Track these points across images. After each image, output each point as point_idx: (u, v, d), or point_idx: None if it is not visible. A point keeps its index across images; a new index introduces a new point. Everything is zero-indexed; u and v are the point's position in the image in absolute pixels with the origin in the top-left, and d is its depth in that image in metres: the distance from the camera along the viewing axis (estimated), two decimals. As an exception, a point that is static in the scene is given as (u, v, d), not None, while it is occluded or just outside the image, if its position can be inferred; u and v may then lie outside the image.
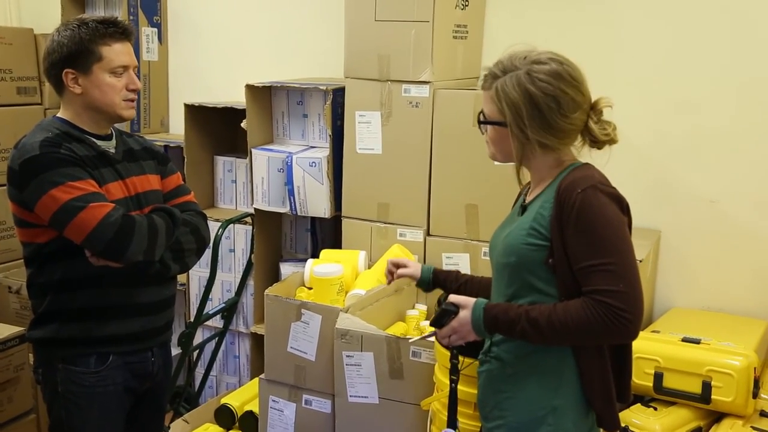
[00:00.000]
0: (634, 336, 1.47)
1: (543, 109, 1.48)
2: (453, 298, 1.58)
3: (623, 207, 1.51)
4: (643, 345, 2.23)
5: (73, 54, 1.81)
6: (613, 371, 1.57)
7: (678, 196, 2.63)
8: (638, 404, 2.23)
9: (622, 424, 2.16)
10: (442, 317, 1.57)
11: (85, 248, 1.79)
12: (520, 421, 1.56)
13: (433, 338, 1.71)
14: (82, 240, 1.76)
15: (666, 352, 2.19)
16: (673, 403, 2.21)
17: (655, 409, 2.19)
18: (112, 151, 1.92)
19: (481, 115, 1.58)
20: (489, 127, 1.57)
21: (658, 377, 2.18)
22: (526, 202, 1.62)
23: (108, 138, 1.93)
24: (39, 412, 2.93)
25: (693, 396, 2.14)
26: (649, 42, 2.61)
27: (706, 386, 2.12)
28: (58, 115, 1.91)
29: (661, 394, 2.20)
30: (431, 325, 1.63)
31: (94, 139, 1.89)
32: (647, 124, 2.64)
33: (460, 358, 1.70)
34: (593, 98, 1.57)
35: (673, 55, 2.58)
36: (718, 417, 2.20)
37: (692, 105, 2.57)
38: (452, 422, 1.73)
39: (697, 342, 2.20)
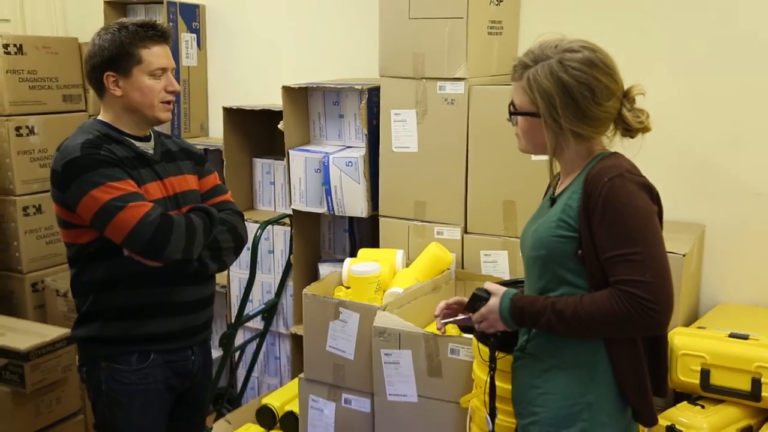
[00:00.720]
0: (663, 328, 1.44)
1: (577, 97, 1.46)
2: (488, 285, 1.59)
3: (653, 196, 1.48)
4: (689, 341, 2.17)
5: (113, 57, 1.86)
6: (648, 364, 1.54)
7: (722, 189, 2.56)
8: (685, 402, 2.18)
9: (668, 423, 2.11)
10: (473, 302, 1.60)
11: (124, 248, 1.83)
12: (555, 417, 1.54)
13: (463, 319, 1.71)
14: (122, 239, 1.79)
15: (713, 348, 2.13)
16: (721, 401, 2.14)
17: (703, 407, 2.13)
18: (151, 152, 1.96)
19: (512, 106, 1.57)
20: (520, 118, 1.55)
21: (704, 374, 2.13)
22: (555, 194, 1.60)
23: (146, 139, 1.97)
24: (86, 413, 3.00)
25: (742, 393, 2.08)
26: (690, 30, 2.55)
27: (756, 383, 2.05)
28: (99, 117, 1.95)
29: (708, 392, 2.14)
30: (465, 309, 1.65)
31: (133, 141, 1.93)
32: (689, 115, 2.57)
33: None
34: (626, 86, 1.54)
35: (716, 42, 2.51)
36: (768, 415, 2.13)
37: (736, 94, 2.50)
38: (492, 410, 1.73)
39: (745, 338, 2.13)
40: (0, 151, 3.22)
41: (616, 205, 1.42)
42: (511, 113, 1.57)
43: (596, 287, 1.46)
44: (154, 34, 1.88)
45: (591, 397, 1.51)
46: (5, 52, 3.17)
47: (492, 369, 1.70)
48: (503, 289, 1.57)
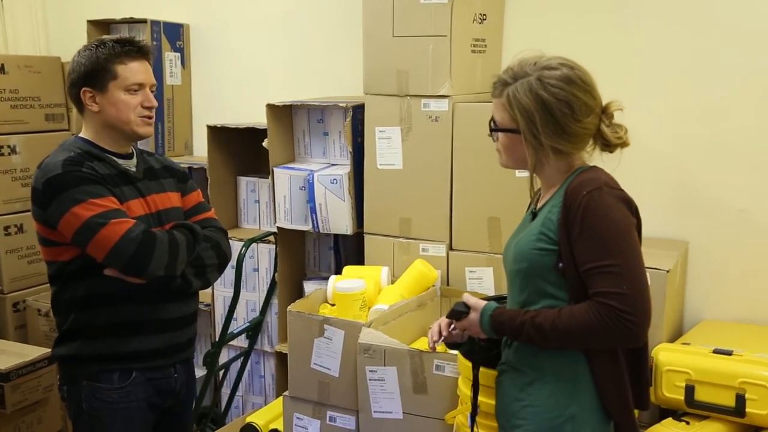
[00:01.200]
0: (640, 340, 1.45)
1: (556, 114, 1.48)
2: (466, 298, 1.60)
3: (632, 209, 1.50)
4: (673, 357, 2.18)
5: (89, 73, 1.86)
6: (630, 377, 1.54)
7: (705, 205, 2.58)
8: (669, 418, 2.18)
9: (654, 439, 2.11)
10: (452, 317, 1.61)
11: (106, 265, 1.81)
12: (538, 429, 1.54)
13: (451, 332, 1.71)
14: (104, 256, 1.78)
15: (697, 364, 2.14)
16: (705, 417, 2.15)
17: (687, 423, 2.13)
18: (133, 169, 1.95)
19: (492, 122, 1.58)
20: (501, 134, 1.57)
21: (689, 390, 2.13)
22: (536, 208, 1.61)
23: (129, 157, 1.96)
24: (67, 434, 2.96)
25: (726, 409, 2.08)
26: (671, 47, 2.58)
27: (740, 399, 2.06)
28: (80, 135, 1.94)
29: (692, 408, 2.14)
30: (447, 317, 1.66)
31: (115, 158, 1.92)
32: (671, 131, 2.60)
33: (476, 346, 1.71)
34: (604, 102, 1.56)
35: (697, 59, 2.55)
36: (754, 431, 2.14)
37: (718, 110, 2.53)
38: (473, 408, 1.74)
39: (729, 353, 2.14)
40: (-19, 170, 3.20)
41: (594, 218, 1.43)
42: (491, 129, 1.58)
43: (576, 300, 1.47)
44: (130, 49, 1.88)
45: (574, 409, 1.52)
46: (-13, 71, 3.16)
47: (476, 368, 1.72)
48: (482, 303, 1.58)
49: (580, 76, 1.51)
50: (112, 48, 1.86)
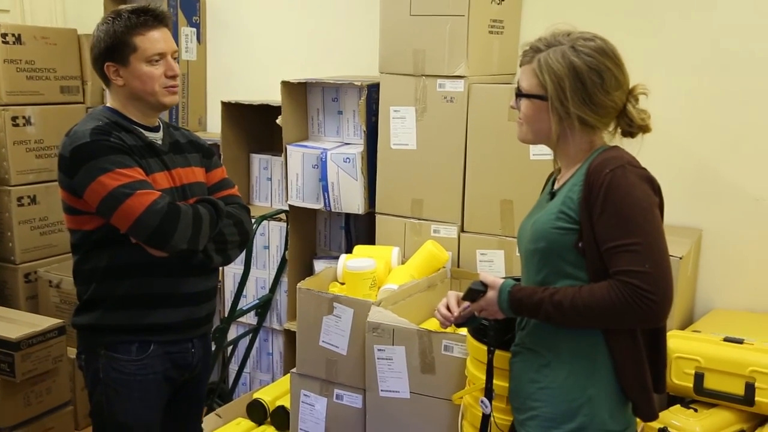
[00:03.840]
0: (661, 320, 1.44)
1: (586, 82, 1.47)
2: (483, 276, 1.58)
3: (654, 188, 1.49)
4: (683, 344, 2.17)
5: (110, 48, 1.85)
6: (647, 359, 1.53)
7: (721, 193, 2.56)
8: (678, 405, 2.17)
9: (661, 426, 2.10)
10: (470, 295, 1.59)
11: (130, 235, 1.81)
12: (554, 412, 1.53)
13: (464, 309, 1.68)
14: (128, 227, 1.78)
15: (707, 351, 2.13)
16: (714, 405, 2.14)
17: (696, 410, 2.12)
18: (159, 142, 1.94)
19: (519, 89, 1.56)
20: (524, 103, 1.55)
21: (698, 378, 2.12)
22: (555, 188, 1.60)
23: (155, 129, 1.96)
24: (76, 405, 2.98)
25: (735, 398, 2.07)
26: (692, 33, 2.55)
27: (750, 388, 2.05)
28: (108, 104, 1.94)
29: (701, 396, 2.13)
30: (462, 299, 1.63)
31: (142, 130, 1.91)
32: (689, 118, 2.57)
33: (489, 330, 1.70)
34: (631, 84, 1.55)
35: (718, 46, 2.51)
36: (762, 420, 2.12)
37: (737, 98, 2.50)
38: (488, 392, 1.72)
39: (739, 342, 2.13)
40: (-4, 141, 3.21)
41: (617, 196, 1.42)
42: (517, 95, 1.56)
43: (597, 279, 1.46)
44: (147, 19, 1.85)
45: (592, 391, 1.50)
46: (3, 42, 3.16)
47: (490, 352, 1.70)
48: (500, 280, 1.56)
49: (612, 49, 1.51)
50: (128, 20, 1.84)
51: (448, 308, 1.68)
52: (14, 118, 3.22)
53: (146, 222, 1.76)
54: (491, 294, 1.56)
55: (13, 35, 3.20)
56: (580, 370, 1.52)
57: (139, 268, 1.86)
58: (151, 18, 1.86)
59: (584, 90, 1.47)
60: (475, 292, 1.58)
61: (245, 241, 2.03)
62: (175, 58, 1.92)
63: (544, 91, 1.50)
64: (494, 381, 1.73)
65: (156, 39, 1.86)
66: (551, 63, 1.48)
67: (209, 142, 3.22)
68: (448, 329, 2.13)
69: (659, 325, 1.50)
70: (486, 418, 1.75)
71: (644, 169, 1.49)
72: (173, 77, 1.90)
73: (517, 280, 1.64)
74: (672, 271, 1.44)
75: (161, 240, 1.79)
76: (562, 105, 1.48)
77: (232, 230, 1.97)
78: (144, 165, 1.84)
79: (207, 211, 1.89)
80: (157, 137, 1.94)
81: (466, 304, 1.64)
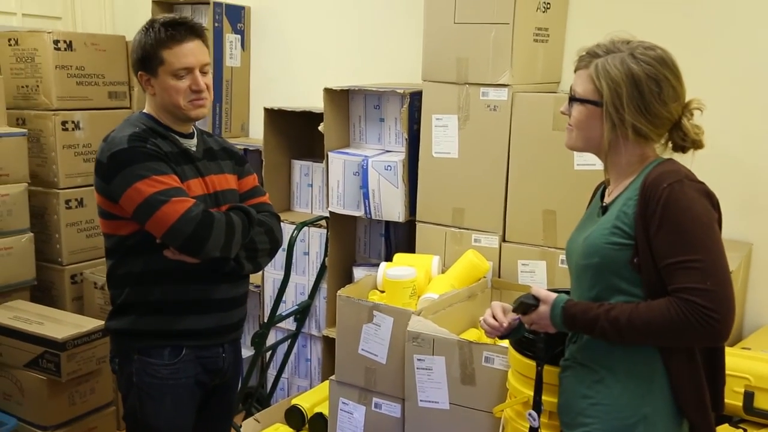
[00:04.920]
0: (723, 338, 1.39)
1: (644, 90, 1.44)
2: (535, 290, 1.56)
3: (713, 203, 1.45)
4: (733, 362, 2.09)
5: (141, 58, 1.88)
6: (705, 378, 1.48)
7: (772, 206, 2.49)
8: (726, 425, 2.10)
9: (708, 445, 2.04)
10: (521, 309, 1.56)
11: (164, 242, 1.83)
12: (607, 429, 1.49)
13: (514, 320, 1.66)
14: (163, 233, 1.80)
15: (757, 370, 2.06)
16: (764, 426, 2.07)
17: (745, 430, 2.06)
18: (194, 149, 1.97)
19: (572, 94, 1.54)
20: (577, 108, 1.52)
21: (748, 396, 2.05)
22: (605, 202, 1.56)
23: (190, 136, 1.98)
24: (119, 405, 3.03)
25: (786, 418, 2.01)
26: (743, 43, 2.49)
27: (801, 408, 1.98)
28: (145, 110, 1.97)
29: (751, 415, 2.06)
30: (513, 311, 1.61)
31: (177, 137, 1.94)
32: (738, 130, 2.51)
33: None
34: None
35: (763, 55, 2.45)
36: (814, 442, 2.05)
37: (788, 110, 2.43)
38: (537, 405, 1.70)
39: (791, 360, 2.06)
40: (46, 145, 3.29)
41: (675, 211, 1.38)
42: (570, 99, 1.54)
43: (653, 296, 1.42)
44: (175, 33, 1.85)
45: (648, 410, 1.47)
46: (56, 48, 3.24)
47: (540, 366, 1.68)
48: (553, 295, 1.53)
49: (673, 60, 1.49)
50: (158, 32, 1.85)
51: (495, 318, 1.65)
52: (64, 123, 3.29)
53: (181, 229, 1.78)
54: (543, 308, 1.53)
55: (65, 42, 3.28)
56: (635, 387, 1.48)
57: (172, 274, 1.88)
58: (182, 31, 1.86)
59: (641, 98, 1.44)
60: (527, 305, 1.55)
61: (275, 249, 2.05)
62: (205, 73, 1.92)
63: (599, 97, 1.47)
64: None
65: (184, 53, 1.86)
66: (609, 69, 1.46)
67: (251, 148, 3.31)
68: (489, 340, 2.11)
69: (720, 344, 1.46)
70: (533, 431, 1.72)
71: (703, 183, 1.45)
72: (198, 92, 1.90)
73: (567, 292, 1.61)
74: (734, 289, 1.40)
75: (195, 247, 1.81)
76: (617, 112, 1.45)
77: (263, 238, 1.98)
78: (179, 172, 1.87)
79: (239, 219, 1.90)
80: (191, 144, 1.97)
81: (515, 315, 1.62)
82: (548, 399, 1.71)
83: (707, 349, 1.48)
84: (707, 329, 1.35)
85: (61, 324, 2.86)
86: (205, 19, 3.42)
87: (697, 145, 1.51)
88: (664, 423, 1.48)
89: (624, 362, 1.49)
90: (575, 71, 1.55)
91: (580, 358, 1.56)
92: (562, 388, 1.62)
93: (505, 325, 1.64)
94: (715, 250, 1.39)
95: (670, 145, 1.53)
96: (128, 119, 1.95)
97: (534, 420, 1.70)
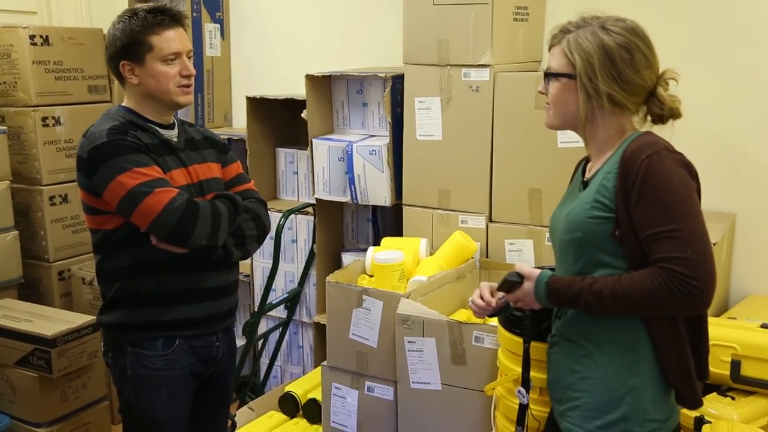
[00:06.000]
0: (705, 306, 1.41)
1: (615, 58, 1.46)
2: (519, 268, 1.57)
3: (692, 173, 1.46)
4: (719, 331, 2.13)
5: (126, 46, 1.86)
6: (690, 346, 1.50)
7: (754, 178, 2.51)
8: (714, 393, 2.13)
9: (697, 414, 2.07)
10: (506, 286, 1.58)
11: (150, 233, 1.83)
12: (596, 402, 1.51)
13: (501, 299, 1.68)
14: (148, 225, 1.80)
15: (743, 338, 2.09)
16: (752, 393, 2.10)
17: (733, 398, 2.09)
18: (175, 139, 1.96)
19: (547, 70, 1.55)
20: (553, 84, 1.53)
21: (735, 365, 2.08)
22: (586, 177, 1.58)
23: (170, 127, 1.97)
24: (112, 399, 3.03)
25: (774, 385, 2.04)
26: (722, 18, 2.50)
27: (788, 375, 2.01)
28: (123, 104, 1.96)
29: (738, 383, 2.09)
30: (498, 290, 1.63)
31: (157, 128, 1.93)
32: (721, 103, 2.52)
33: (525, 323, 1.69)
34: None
35: (748, 31, 2.46)
36: (801, 408, 2.09)
37: (769, 82, 2.45)
38: (526, 382, 1.72)
39: (776, 328, 2.09)
40: (27, 142, 3.26)
41: (654, 182, 1.40)
42: (546, 75, 1.55)
43: (635, 268, 1.43)
44: (163, 18, 1.86)
45: (635, 381, 1.48)
46: (32, 44, 3.20)
47: (527, 342, 1.70)
48: (537, 271, 1.54)
49: (643, 30, 1.51)
50: (144, 19, 1.84)
51: (482, 299, 1.67)
52: (44, 119, 3.26)
53: (166, 220, 1.77)
54: (528, 285, 1.54)
55: (41, 37, 3.24)
56: (622, 359, 1.50)
57: (160, 265, 1.88)
58: (168, 18, 1.86)
59: (613, 66, 1.46)
60: (512, 283, 1.56)
61: (263, 235, 2.05)
62: (190, 58, 1.92)
63: (573, 70, 1.49)
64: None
65: (172, 39, 1.86)
66: (581, 41, 1.48)
67: (235, 138, 3.29)
68: (479, 320, 2.13)
69: (702, 312, 1.47)
70: (523, 408, 1.74)
71: (681, 153, 1.46)
72: (188, 77, 1.90)
73: (551, 269, 1.62)
74: (713, 256, 1.41)
75: (181, 237, 1.80)
76: (591, 82, 1.47)
77: (250, 225, 1.98)
78: (161, 163, 1.86)
79: (225, 206, 1.90)
80: (172, 135, 1.96)
81: (502, 294, 1.63)
82: (537, 375, 1.73)
83: (690, 318, 1.50)
84: (689, 297, 1.37)
85: (50, 321, 2.85)
86: (183, 8, 3.39)
87: (675, 113, 1.52)
88: (652, 393, 1.49)
89: (609, 335, 1.50)
90: (549, 50, 1.57)
91: (566, 333, 1.58)
92: (550, 364, 1.63)
93: (492, 304, 1.65)
94: (694, 220, 1.40)
95: (648, 118, 1.54)
96: (107, 113, 1.94)
97: (523, 396, 1.72)
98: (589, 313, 1.48)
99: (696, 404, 1.54)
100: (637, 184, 1.40)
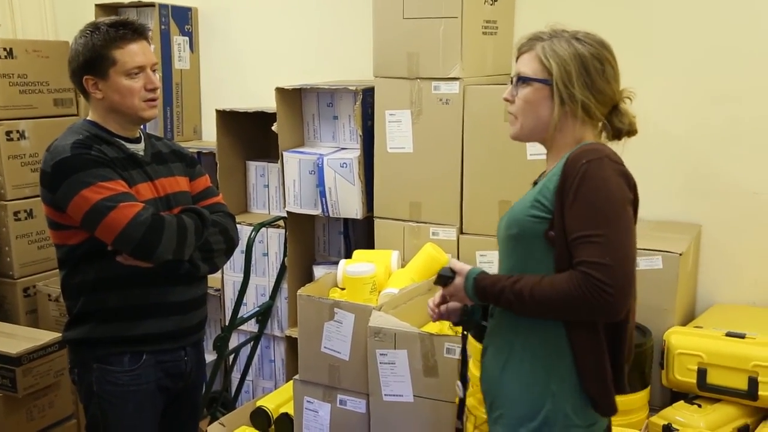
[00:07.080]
0: (616, 313, 1.41)
1: (589, 68, 1.50)
2: (452, 263, 1.60)
3: (630, 183, 1.48)
4: (686, 340, 2.17)
5: (88, 61, 1.84)
6: (608, 355, 1.49)
7: (719, 188, 2.56)
8: (681, 401, 2.18)
9: (665, 422, 2.10)
10: (440, 281, 1.61)
11: (115, 248, 1.81)
12: (520, 413, 1.52)
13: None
14: (113, 239, 1.78)
15: (709, 347, 2.13)
16: (718, 400, 2.14)
17: (699, 406, 2.13)
18: (141, 153, 1.94)
19: (519, 76, 1.55)
20: (524, 90, 1.54)
21: (701, 373, 2.12)
22: (537, 178, 1.62)
23: (137, 141, 1.95)
24: (79, 418, 2.97)
25: (739, 392, 2.08)
26: (685, 32, 2.56)
27: (753, 382, 2.05)
28: (88, 118, 1.94)
29: (704, 391, 2.14)
30: (435, 284, 1.65)
31: (123, 142, 1.91)
32: (685, 116, 2.58)
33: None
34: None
35: (711, 44, 2.52)
36: (766, 414, 2.13)
37: (731, 95, 2.51)
38: (463, 377, 1.74)
39: (741, 337, 2.13)
40: (-9, 155, 3.20)
41: (589, 187, 1.42)
42: (519, 79, 1.55)
43: (562, 270, 1.44)
44: (126, 32, 1.84)
45: (554, 387, 1.49)
46: (-4, 56, 3.15)
47: (464, 337, 1.72)
48: (467, 267, 1.57)
49: (609, 45, 1.55)
50: (106, 33, 1.82)
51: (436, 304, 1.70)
52: (8, 133, 3.21)
53: (131, 234, 1.76)
54: (459, 280, 1.56)
55: (5, 49, 3.19)
56: (542, 363, 1.50)
57: (126, 279, 1.86)
58: (130, 31, 1.85)
59: (587, 75, 1.50)
60: (445, 278, 1.59)
61: (231, 249, 2.04)
62: (154, 71, 1.91)
63: (548, 75, 1.50)
64: (477, 373, 1.73)
65: (135, 52, 1.84)
66: (556, 48, 1.50)
67: (205, 151, 3.27)
68: (450, 332, 2.13)
69: (615, 320, 1.45)
70: (461, 403, 1.76)
71: (622, 164, 1.48)
72: (153, 90, 1.89)
73: None
74: (634, 268, 1.43)
75: (146, 251, 1.79)
76: (567, 89, 1.49)
77: (218, 238, 1.97)
78: (126, 177, 1.84)
79: (192, 220, 1.88)
80: (138, 148, 1.94)
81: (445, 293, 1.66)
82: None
83: (611, 325, 1.49)
84: (600, 303, 1.37)
85: (15, 338, 2.80)
86: (151, 21, 3.37)
87: (632, 130, 1.56)
88: (572, 399, 1.49)
89: (530, 336, 1.51)
90: (518, 57, 1.58)
91: (494, 333, 1.60)
92: (483, 367, 1.65)
93: (437, 301, 1.68)
94: (621, 227, 1.41)
95: (604, 133, 1.57)
96: (71, 127, 1.91)
97: (460, 390, 1.74)
98: (513, 312, 1.50)
99: (610, 411, 1.53)
100: (574, 187, 1.43)
